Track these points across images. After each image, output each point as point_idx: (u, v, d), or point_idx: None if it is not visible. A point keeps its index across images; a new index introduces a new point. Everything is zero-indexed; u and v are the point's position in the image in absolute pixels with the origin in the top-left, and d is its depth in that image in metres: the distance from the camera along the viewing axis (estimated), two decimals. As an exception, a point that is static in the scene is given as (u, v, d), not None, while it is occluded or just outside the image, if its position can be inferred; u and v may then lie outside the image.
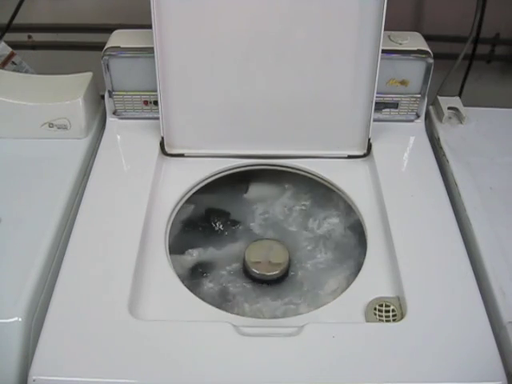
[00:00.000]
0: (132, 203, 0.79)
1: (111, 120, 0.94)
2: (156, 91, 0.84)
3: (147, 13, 0.77)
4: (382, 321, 0.66)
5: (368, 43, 0.81)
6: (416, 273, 0.70)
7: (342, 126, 0.88)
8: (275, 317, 0.75)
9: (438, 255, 0.72)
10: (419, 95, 0.92)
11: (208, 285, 0.79)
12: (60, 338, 0.62)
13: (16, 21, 1.11)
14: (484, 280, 0.70)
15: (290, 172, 0.90)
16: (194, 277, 0.81)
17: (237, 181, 0.93)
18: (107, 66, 0.88)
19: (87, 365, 0.60)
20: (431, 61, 0.88)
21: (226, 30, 0.80)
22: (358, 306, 0.68)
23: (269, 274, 0.80)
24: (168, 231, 0.79)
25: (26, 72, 1.09)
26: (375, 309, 0.67)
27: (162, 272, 0.72)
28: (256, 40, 0.81)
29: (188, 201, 0.86)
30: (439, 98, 0.99)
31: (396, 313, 0.67)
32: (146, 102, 0.92)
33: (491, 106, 0.99)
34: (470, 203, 0.80)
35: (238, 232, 0.89)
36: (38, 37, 1.20)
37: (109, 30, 0.93)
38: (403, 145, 0.91)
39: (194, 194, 0.86)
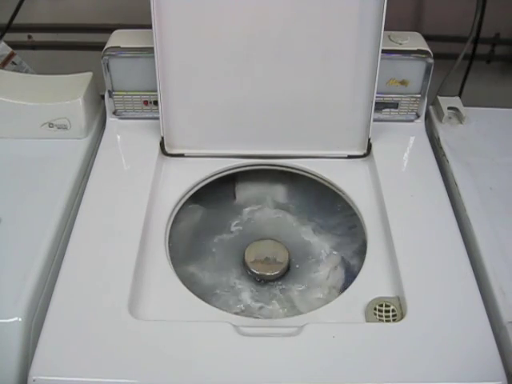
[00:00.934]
0: (132, 203, 0.79)
1: (111, 120, 0.94)
2: (156, 91, 0.84)
3: (147, 13, 0.78)
4: (382, 321, 0.66)
5: (368, 43, 0.81)
6: (416, 273, 0.70)
7: (342, 126, 0.88)
8: (275, 317, 0.75)
9: (438, 255, 0.72)
10: (419, 95, 0.92)
11: (208, 285, 0.79)
12: (60, 338, 0.62)
13: (16, 21, 1.12)
14: (484, 280, 0.70)
15: (290, 172, 0.90)
16: (193, 276, 0.81)
17: (236, 181, 0.93)
18: (107, 65, 0.88)
19: (87, 365, 0.60)
20: (431, 61, 0.88)
21: (226, 30, 0.80)
22: (358, 306, 0.68)
23: (269, 273, 0.80)
24: (168, 231, 0.79)
25: (26, 72, 1.09)
26: (375, 309, 0.67)
27: (162, 272, 0.72)
28: (256, 40, 0.81)
29: (186, 202, 0.85)
30: (439, 97, 0.99)
31: (396, 313, 0.67)
32: (145, 102, 0.92)
33: (491, 106, 0.99)
34: (469, 203, 0.80)
35: (237, 232, 0.89)
36: (38, 37, 1.20)
37: (109, 30, 0.93)
38: (403, 145, 0.91)
39: (193, 194, 0.86)
